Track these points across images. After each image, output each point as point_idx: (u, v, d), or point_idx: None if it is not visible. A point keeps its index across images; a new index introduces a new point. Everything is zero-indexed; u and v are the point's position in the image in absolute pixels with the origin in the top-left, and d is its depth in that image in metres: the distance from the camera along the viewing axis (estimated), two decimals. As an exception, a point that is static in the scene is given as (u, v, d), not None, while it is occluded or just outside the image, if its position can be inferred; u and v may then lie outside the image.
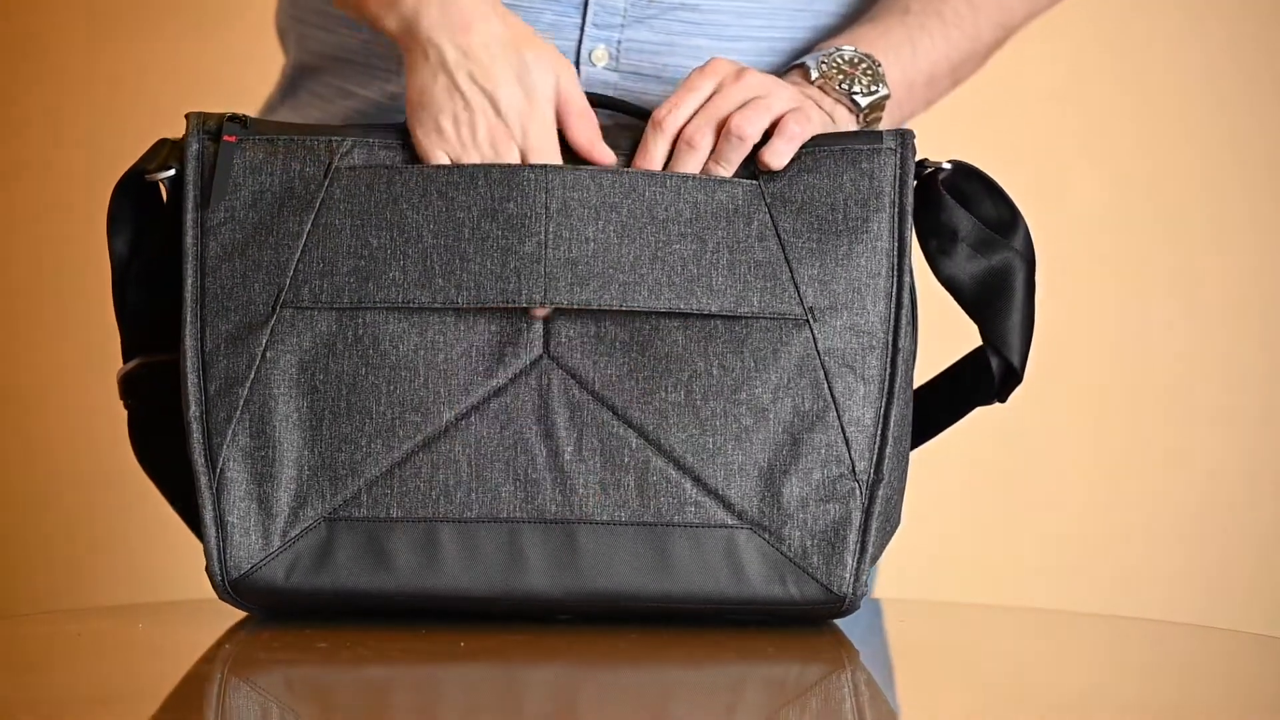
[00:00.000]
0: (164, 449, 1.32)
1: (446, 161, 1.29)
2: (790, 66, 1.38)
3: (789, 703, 1.18)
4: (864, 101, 1.36)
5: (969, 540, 2.36)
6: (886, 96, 1.37)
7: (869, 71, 1.36)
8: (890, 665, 1.29)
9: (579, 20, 1.41)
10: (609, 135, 1.30)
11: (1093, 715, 1.15)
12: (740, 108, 1.30)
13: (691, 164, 1.30)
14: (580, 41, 1.41)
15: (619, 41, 1.41)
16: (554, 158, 1.29)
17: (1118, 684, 1.24)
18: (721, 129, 1.30)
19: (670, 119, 1.30)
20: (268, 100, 1.54)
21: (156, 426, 1.33)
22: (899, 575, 1.39)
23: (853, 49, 1.37)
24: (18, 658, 1.26)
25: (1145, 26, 2.41)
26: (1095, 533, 2.40)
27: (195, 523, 1.30)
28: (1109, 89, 2.40)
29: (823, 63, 1.36)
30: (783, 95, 1.32)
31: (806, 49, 1.44)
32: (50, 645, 1.30)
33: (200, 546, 1.30)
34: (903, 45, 1.41)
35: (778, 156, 1.29)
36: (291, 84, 1.51)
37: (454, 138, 1.28)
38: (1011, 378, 1.33)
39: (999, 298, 1.31)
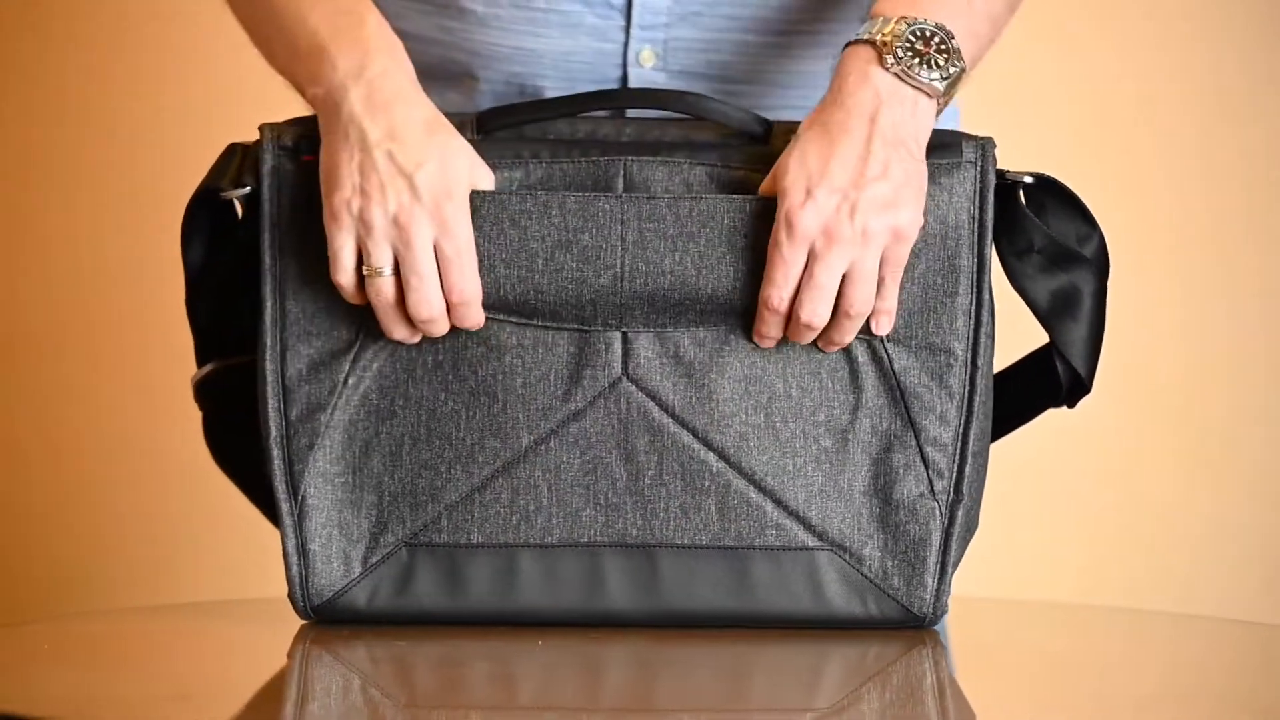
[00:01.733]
0: (240, 449, 1.33)
1: (349, 245, 1.24)
2: (855, 42, 1.28)
3: (870, 678, 1.20)
4: (943, 86, 1.27)
5: (1029, 537, 2.36)
6: (963, 71, 1.28)
7: (943, 47, 1.27)
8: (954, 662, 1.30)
9: (623, 23, 1.39)
10: (686, 151, 1.28)
11: (1161, 712, 1.16)
12: (846, 281, 1.24)
13: (808, 338, 1.26)
14: (626, 44, 1.39)
15: (665, 41, 1.39)
16: (467, 245, 1.24)
17: (1187, 682, 1.24)
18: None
19: (781, 301, 1.24)
20: None
21: (232, 428, 1.33)
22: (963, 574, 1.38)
23: (923, 21, 1.27)
24: (98, 655, 1.27)
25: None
26: (1162, 529, 2.39)
27: (277, 519, 1.31)
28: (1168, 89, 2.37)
29: (896, 48, 1.26)
30: (876, 234, 1.24)
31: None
32: (128, 643, 1.31)
33: (276, 545, 1.31)
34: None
35: (884, 323, 1.27)
36: None
37: (360, 217, 1.24)
38: (1079, 387, 1.32)
39: (1070, 311, 1.30)
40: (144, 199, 2.32)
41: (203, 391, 1.34)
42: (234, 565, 2.31)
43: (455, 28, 1.40)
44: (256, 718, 1.10)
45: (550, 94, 1.40)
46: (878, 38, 1.27)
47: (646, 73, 1.39)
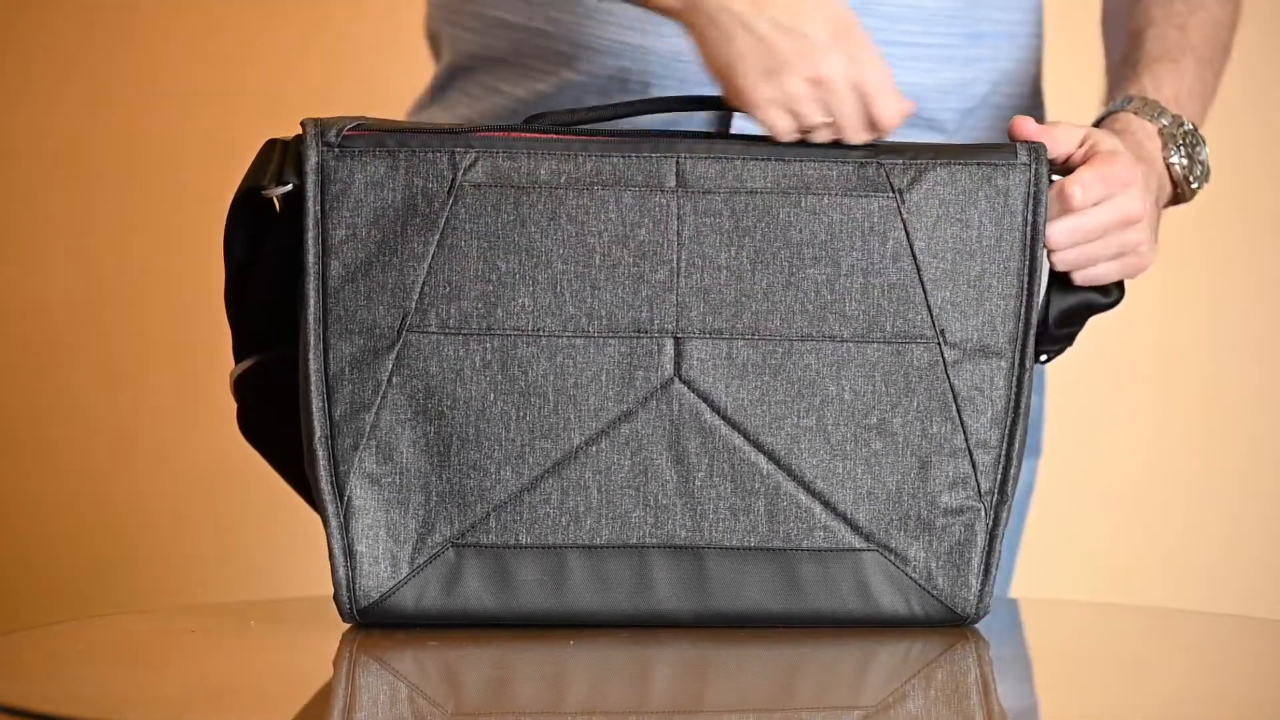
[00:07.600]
0: (280, 442, 1.31)
1: (782, 118, 1.25)
2: (1139, 114, 1.39)
3: (914, 675, 1.21)
4: (1195, 187, 1.39)
5: (1054, 538, 2.37)
6: (1208, 174, 1.40)
7: (1197, 147, 1.38)
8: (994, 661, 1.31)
9: None
10: (739, 145, 1.27)
11: (1205, 712, 1.16)
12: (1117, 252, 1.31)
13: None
14: None
15: None
16: (885, 72, 1.25)
17: (1227, 681, 1.25)
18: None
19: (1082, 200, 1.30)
20: (417, 100, 1.51)
21: (270, 421, 1.31)
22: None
23: (1191, 126, 1.39)
24: (134, 654, 1.26)
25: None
26: (1209, 531, 2.41)
27: (323, 520, 1.29)
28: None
29: (1179, 144, 1.38)
30: (1145, 227, 1.32)
31: (973, 57, 1.45)
32: (165, 642, 1.29)
33: (315, 544, 1.29)
34: (1195, 98, 1.43)
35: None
36: (442, 85, 1.47)
37: (779, 95, 1.25)
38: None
39: (1071, 324, 1.32)
40: (177, 200, 2.29)
41: (242, 386, 1.31)
42: (273, 564, 2.29)
43: (564, 19, 1.38)
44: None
45: (657, 93, 1.39)
46: (1160, 122, 1.38)
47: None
